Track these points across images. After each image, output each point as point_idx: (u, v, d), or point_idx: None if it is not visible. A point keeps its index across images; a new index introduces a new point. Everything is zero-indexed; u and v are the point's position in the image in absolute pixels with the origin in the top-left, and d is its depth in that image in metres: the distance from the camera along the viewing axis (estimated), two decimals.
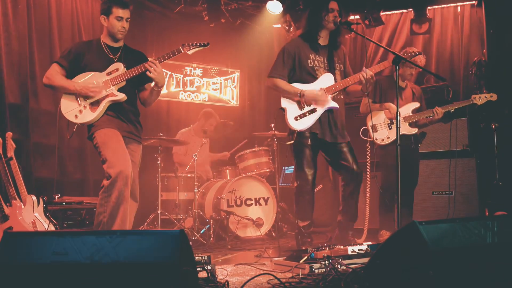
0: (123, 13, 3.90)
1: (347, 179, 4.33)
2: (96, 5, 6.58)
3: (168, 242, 2.17)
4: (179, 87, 7.88)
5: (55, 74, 3.86)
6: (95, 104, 3.82)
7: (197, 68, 7.99)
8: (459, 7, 6.98)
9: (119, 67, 3.86)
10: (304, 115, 4.24)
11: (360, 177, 4.34)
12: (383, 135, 4.92)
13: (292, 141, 4.30)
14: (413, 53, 4.55)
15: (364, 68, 4.13)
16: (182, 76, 7.90)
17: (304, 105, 4.24)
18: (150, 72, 3.75)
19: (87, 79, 3.84)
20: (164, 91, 7.68)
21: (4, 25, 5.25)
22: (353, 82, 4.24)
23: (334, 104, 4.24)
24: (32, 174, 5.38)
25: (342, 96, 4.40)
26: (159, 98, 7.37)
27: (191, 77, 7.97)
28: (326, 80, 4.27)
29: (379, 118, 4.97)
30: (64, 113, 3.84)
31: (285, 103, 4.31)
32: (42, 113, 5.64)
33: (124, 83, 3.86)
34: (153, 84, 3.89)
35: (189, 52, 3.85)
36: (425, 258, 2.11)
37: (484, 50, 6.36)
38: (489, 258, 2.29)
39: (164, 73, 7.65)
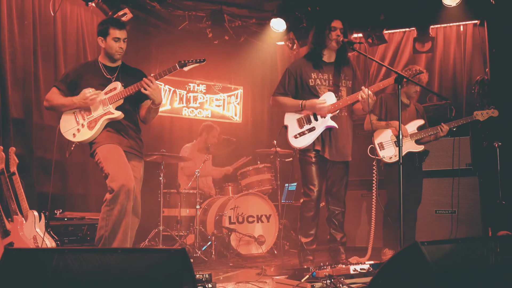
0: (120, 33, 3.94)
1: (332, 203, 4.39)
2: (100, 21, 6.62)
3: (168, 260, 2.16)
4: (183, 103, 7.90)
5: (53, 95, 3.94)
6: (92, 122, 3.85)
7: (200, 85, 8.02)
8: (461, 27, 7.04)
9: (117, 86, 3.89)
10: (303, 133, 4.27)
11: (344, 203, 4.41)
12: (391, 152, 4.89)
13: (291, 159, 4.32)
14: (416, 71, 4.54)
15: (363, 88, 4.13)
16: (185, 92, 7.93)
17: (304, 123, 4.28)
18: (146, 90, 3.77)
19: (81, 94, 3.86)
20: (167, 107, 7.72)
21: (10, 40, 5.30)
22: (352, 101, 4.24)
23: (332, 123, 4.24)
24: (35, 189, 5.37)
25: (345, 113, 4.38)
26: (162, 114, 7.58)
27: (195, 93, 8.00)
28: (327, 99, 4.25)
29: (385, 136, 4.94)
30: (63, 133, 3.89)
31: (287, 121, 4.36)
32: (46, 128, 5.65)
33: (121, 101, 3.88)
34: (151, 101, 3.91)
35: (185, 69, 3.84)
36: (427, 279, 2.09)
37: (486, 69, 6.38)
38: (492, 279, 2.27)
39: (168, 89, 7.83)
